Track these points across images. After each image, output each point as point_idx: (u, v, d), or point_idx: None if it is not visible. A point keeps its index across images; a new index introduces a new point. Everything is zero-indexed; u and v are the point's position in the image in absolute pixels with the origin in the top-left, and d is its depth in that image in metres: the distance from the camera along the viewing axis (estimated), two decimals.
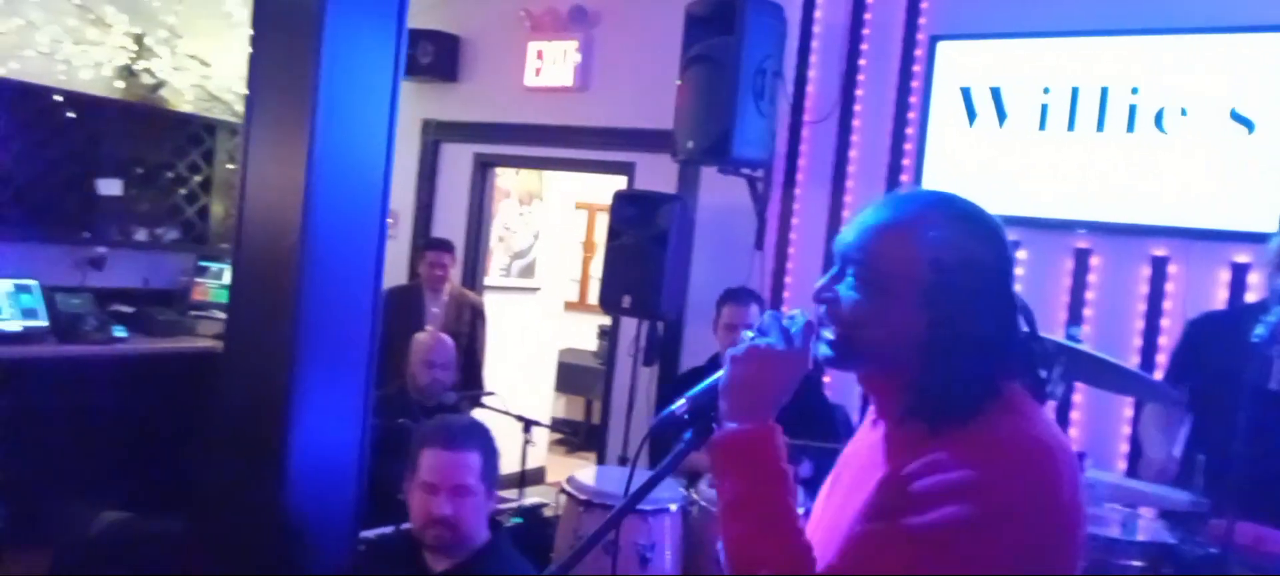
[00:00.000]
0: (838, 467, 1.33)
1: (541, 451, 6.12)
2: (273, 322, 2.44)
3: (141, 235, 4.99)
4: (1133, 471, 3.44)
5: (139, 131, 4.95)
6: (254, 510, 2.49)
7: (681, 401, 1.24)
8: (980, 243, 1.16)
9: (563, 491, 3.05)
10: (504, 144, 5.31)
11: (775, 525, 1.14)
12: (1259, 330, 2.13)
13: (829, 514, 1.26)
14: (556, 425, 6.69)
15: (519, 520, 3.40)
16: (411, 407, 3.65)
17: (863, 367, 1.23)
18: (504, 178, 6.08)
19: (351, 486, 2.54)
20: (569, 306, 7.30)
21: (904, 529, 1.05)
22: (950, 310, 1.13)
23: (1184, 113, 3.53)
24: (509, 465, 4.03)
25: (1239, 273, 3.47)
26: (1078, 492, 1.09)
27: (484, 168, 5.43)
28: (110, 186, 4.83)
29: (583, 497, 2.94)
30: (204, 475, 2.67)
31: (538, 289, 6.50)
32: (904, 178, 4.06)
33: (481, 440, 2.20)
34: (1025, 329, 1.19)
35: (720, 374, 1.22)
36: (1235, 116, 3.46)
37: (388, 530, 2.73)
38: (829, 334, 1.20)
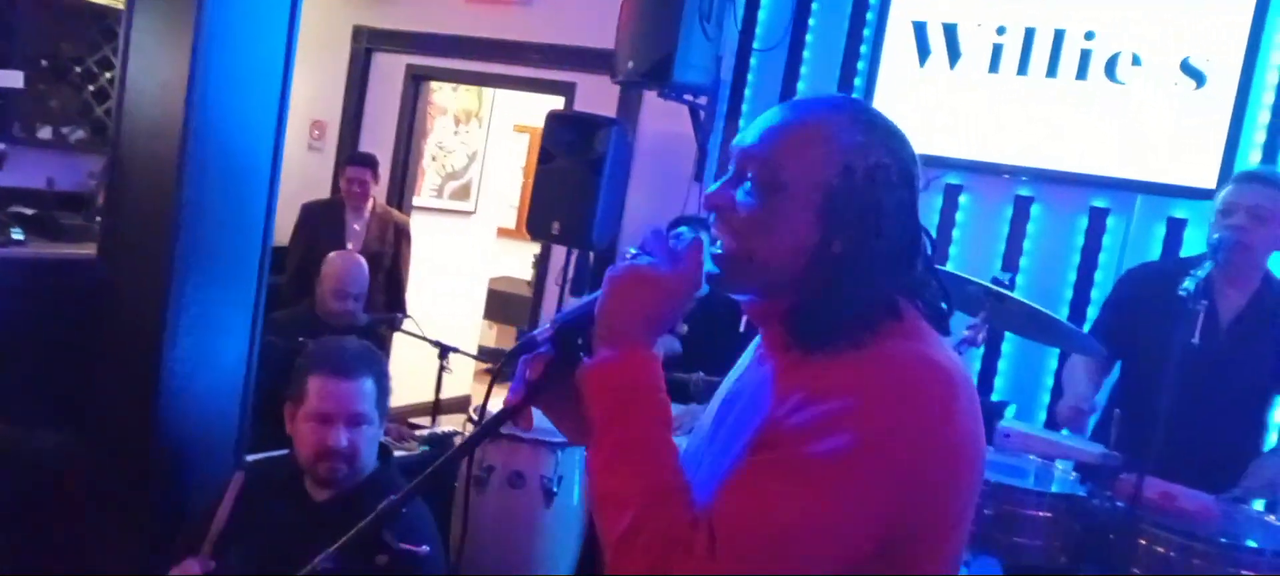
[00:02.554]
0: (720, 409, 1.20)
1: (466, 380, 5.98)
2: (151, 227, 2.25)
3: (46, 133, 4.69)
4: (1052, 419, 3.41)
5: (47, 21, 4.63)
6: (131, 427, 2.32)
7: (547, 324, 1.09)
8: (889, 152, 1.07)
9: (470, 420, 2.91)
10: (439, 57, 5.07)
11: (644, 460, 1.01)
12: (1187, 283, 2.05)
13: (711, 456, 1.13)
14: (483, 354, 6.54)
15: (426, 448, 3.26)
16: (319, 328, 3.47)
17: (755, 286, 1.11)
18: (440, 94, 5.84)
19: (236, 406, 2.38)
20: (504, 233, 7.10)
21: (795, 456, 0.96)
22: (856, 221, 1.04)
23: (1136, 61, 3.45)
24: (425, 392, 3.92)
25: (1176, 229, 3.42)
26: (977, 421, 1.02)
27: (417, 81, 5.19)
28: (11, 78, 4.51)
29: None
30: (86, 388, 2.49)
31: (472, 213, 6.28)
32: None
33: (375, 366, 2.05)
34: (928, 251, 1.10)
35: (594, 295, 1.08)
36: (1186, 68, 3.38)
37: (278, 453, 2.58)
38: (719, 248, 1.08)
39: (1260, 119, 3.33)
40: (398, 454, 3.23)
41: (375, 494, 2.04)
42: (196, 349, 2.27)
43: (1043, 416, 3.57)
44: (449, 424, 3.68)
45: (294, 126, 5.45)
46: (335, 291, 3.58)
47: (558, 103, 4.65)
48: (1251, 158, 3.28)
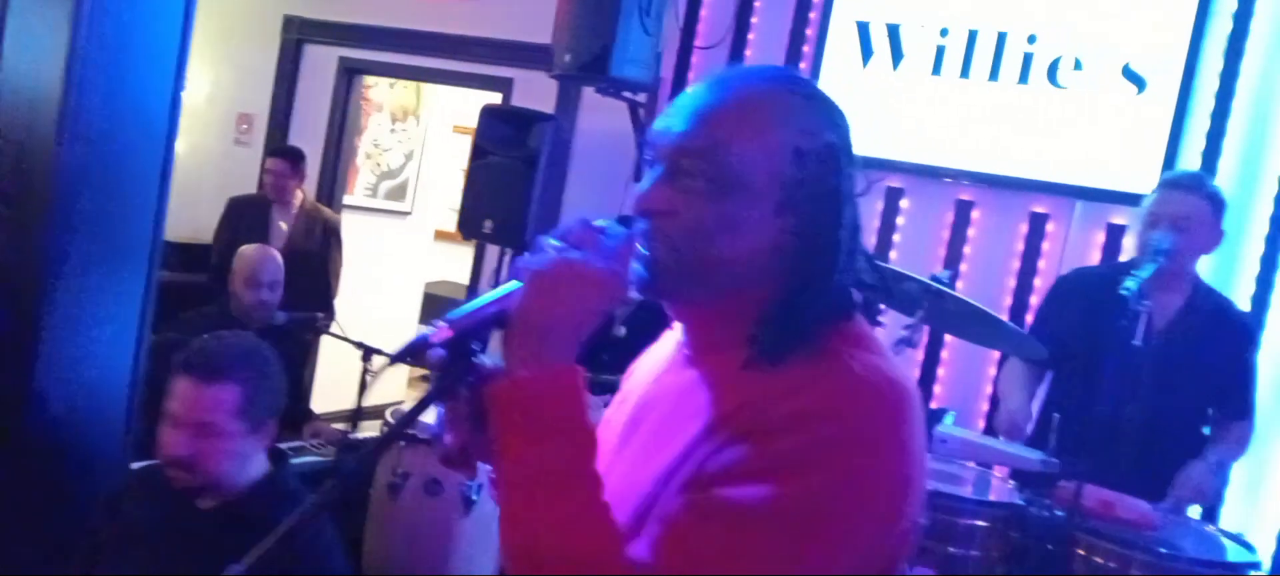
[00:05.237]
0: (633, 414, 1.04)
1: (400, 386, 5.79)
2: (26, 213, 2.06)
3: None
4: (990, 429, 3.35)
5: None
6: (5, 429, 2.13)
7: (439, 323, 0.89)
8: (836, 128, 0.95)
9: (385, 424, 2.76)
10: (373, 50, 4.89)
11: (585, 506, 0.86)
12: (1129, 283, 1.98)
13: (623, 469, 0.98)
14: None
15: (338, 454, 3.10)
16: (233, 326, 3.27)
17: (702, 294, 0.96)
18: (377, 90, 5.66)
19: (121, 403, 2.20)
20: (443, 236, 6.91)
21: (755, 498, 0.82)
22: (815, 211, 0.92)
23: (1078, 66, 3.42)
24: (348, 396, 3.74)
25: (1115, 235, 3.39)
26: (924, 437, 0.91)
27: (350, 74, 5.01)
28: None
29: (407, 430, 2.65)
30: None
31: (408, 214, 6.09)
32: None
33: (245, 371, 1.82)
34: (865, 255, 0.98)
35: (504, 290, 0.91)
36: (1128, 73, 3.35)
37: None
38: (652, 252, 0.93)
39: (1200, 125, 3.31)
40: (306, 459, 3.08)
41: (264, 503, 1.90)
42: (77, 347, 2.09)
43: (982, 425, 3.51)
44: (371, 430, 3.51)
45: (220, 119, 5.28)
46: (247, 280, 3.39)
47: (495, 99, 4.51)
48: (1191, 163, 3.25)
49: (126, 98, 2.13)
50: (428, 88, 5.91)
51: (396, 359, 0.91)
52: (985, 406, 3.53)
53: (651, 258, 0.93)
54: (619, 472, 0.96)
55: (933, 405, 3.58)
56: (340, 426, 3.57)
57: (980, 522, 2.10)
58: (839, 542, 0.85)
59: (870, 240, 3.70)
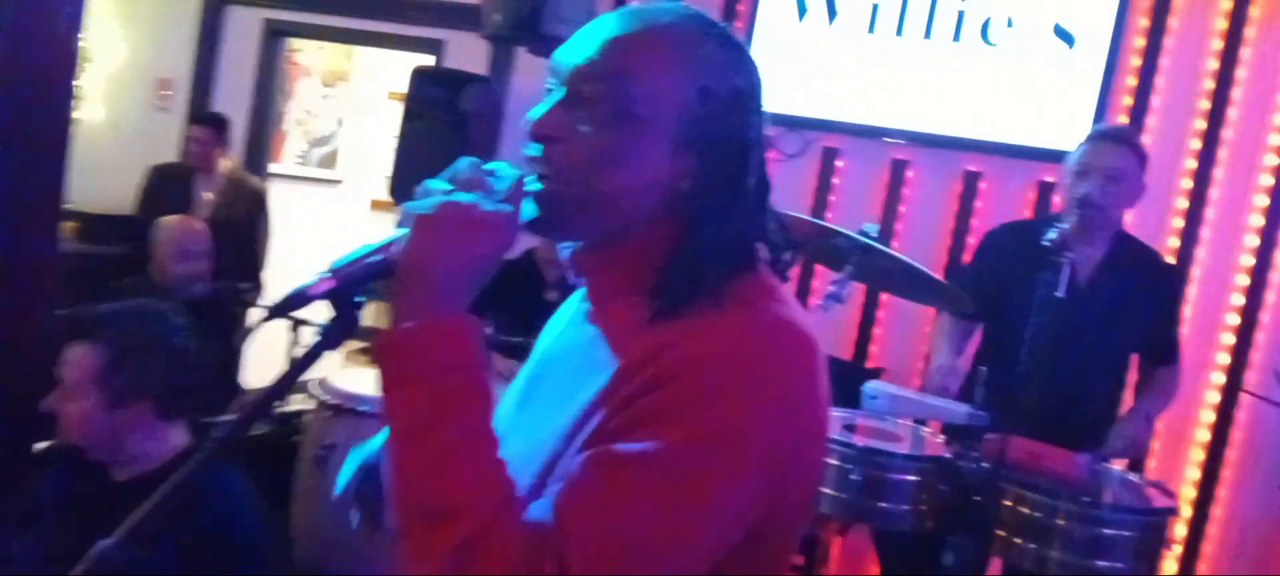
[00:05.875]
0: (533, 372, 1.02)
1: (336, 360, 5.67)
2: None
3: None
4: (923, 390, 3.38)
5: None
6: None
7: (323, 272, 0.85)
8: (747, 74, 0.92)
9: (311, 394, 2.69)
10: (299, 11, 4.74)
11: (479, 461, 0.81)
12: (1050, 233, 1.99)
13: (524, 429, 0.95)
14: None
15: (269, 427, 3.02)
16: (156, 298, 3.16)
17: (593, 231, 0.92)
18: (306, 54, 5.50)
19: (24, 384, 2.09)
20: (379, 205, 6.76)
21: (653, 449, 0.80)
22: (719, 151, 0.89)
23: (1010, 23, 3.43)
24: (279, 370, 3.64)
25: (1045, 192, 3.42)
26: (827, 386, 0.90)
27: (275, 37, 4.85)
28: None
29: (332, 401, 2.59)
30: None
31: (340, 182, 5.95)
32: None
33: (112, 335, 1.75)
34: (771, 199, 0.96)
35: (391, 237, 0.86)
36: (1058, 31, 3.37)
37: None
38: (543, 185, 0.89)
39: (1127, 82, 3.35)
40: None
41: (170, 475, 1.84)
42: None
43: (918, 382, 3.54)
44: (300, 403, 3.42)
45: (138, 85, 5.08)
46: (170, 251, 3.27)
47: (429, 61, 4.41)
48: (1119, 120, 3.29)
49: (14, 65, 2.02)
50: (360, 51, 5.76)
51: (275, 313, 0.87)
52: (921, 364, 3.56)
53: (543, 191, 0.89)
54: (521, 434, 0.93)
55: (867, 364, 3.61)
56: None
57: (910, 477, 2.11)
58: (737, 489, 0.83)
59: (807, 200, 3.70)
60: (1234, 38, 3.23)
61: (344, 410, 2.57)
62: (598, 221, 0.91)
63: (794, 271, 3.66)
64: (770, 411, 0.83)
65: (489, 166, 0.89)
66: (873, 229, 2.08)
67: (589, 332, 0.95)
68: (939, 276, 3.43)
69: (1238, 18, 3.23)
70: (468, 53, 4.20)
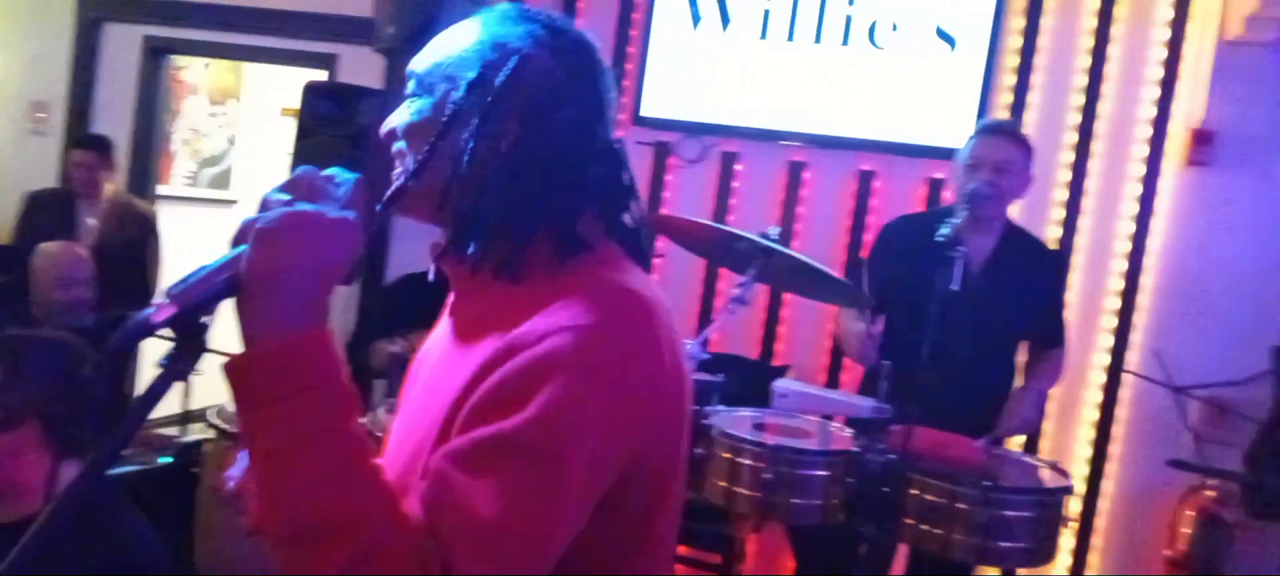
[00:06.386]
0: (410, 375, 1.06)
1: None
2: None
3: None
4: (833, 382, 3.46)
5: None
6: None
7: (161, 300, 0.81)
8: (580, 68, 0.98)
9: (210, 424, 2.59)
10: (182, 27, 4.56)
11: (355, 474, 0.80)
12: (944, 230, 2.07)
13: (399, 430, 1.00)
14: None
15: (169, 459, 2.90)
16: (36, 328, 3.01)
17: (429, 204, 0.96)
18: (191, 71, 5.30)
19: None
20: None
21: (503, 430, 0.82)
22: (553, 135, 0.94)
23: (895, 28, 3.54)
24: (175, 399, 3.50)
25: (934, 188, 3.55)
26: (681, 354, 0.94)
27: (157, 54, 4.66)
28: None
29: (232, 430, 2.50)
30: None
31: (234, 202, 5.75)
32: (625, 83, 3.83)
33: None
34: (626, 183, 1.00)
35: (231, 255, 0.83)
36: (940, 33, 3.50)
37: None
38: (403, 177, 0.96)
39: (1006, 81, 3.50)
40: (126, 468, 2.86)
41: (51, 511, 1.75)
42: None
43: (823, 378, 3.63)
44: (199, 432, 3.30)
45: (12, 109, 4.81)
46: (51, 279, 3.12)
47: (321, 77, 4.30)
48: (1000, 116, 3.44)
49: None
50: (249, 67, 5.58)
51: (114, 349, 0.81)
52: (826, 360, 3.65)
53: (401, 180, 0.96)
54: (395, 435, 0.98)
55: (774, 362, 3.68)
56: (169, 431, 3.34)
57: (819, 472, 2.15)
58: (591, 455, 0.84)
59: (709, 204, 3.75)
60: (1102, 36, 3.41)
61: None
62: (428, 194, 0.94)
63: (700, 274, 3.72)
64: (613, 375, 0.85)
65: (328, 173, 0.89)
66: (774, 232, 2.12)
67: (452, 329, 1.00)
68: (839, 273, 3.54)
69: (1105, 17, 3.41)
70: (362, 67, 4.12)
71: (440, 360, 0.99)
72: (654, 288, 0.95)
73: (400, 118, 0.99)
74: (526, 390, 0.83)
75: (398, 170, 0.97)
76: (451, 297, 1.04)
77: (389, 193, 0.96)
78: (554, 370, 0.83)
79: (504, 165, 0.93)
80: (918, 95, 3.53)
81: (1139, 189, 3.39)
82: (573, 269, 0.93)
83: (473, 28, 0.98)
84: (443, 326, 1.05)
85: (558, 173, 0.94)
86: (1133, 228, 3.40)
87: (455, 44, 0.98)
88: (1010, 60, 3.50)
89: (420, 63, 0.99)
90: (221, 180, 5.69)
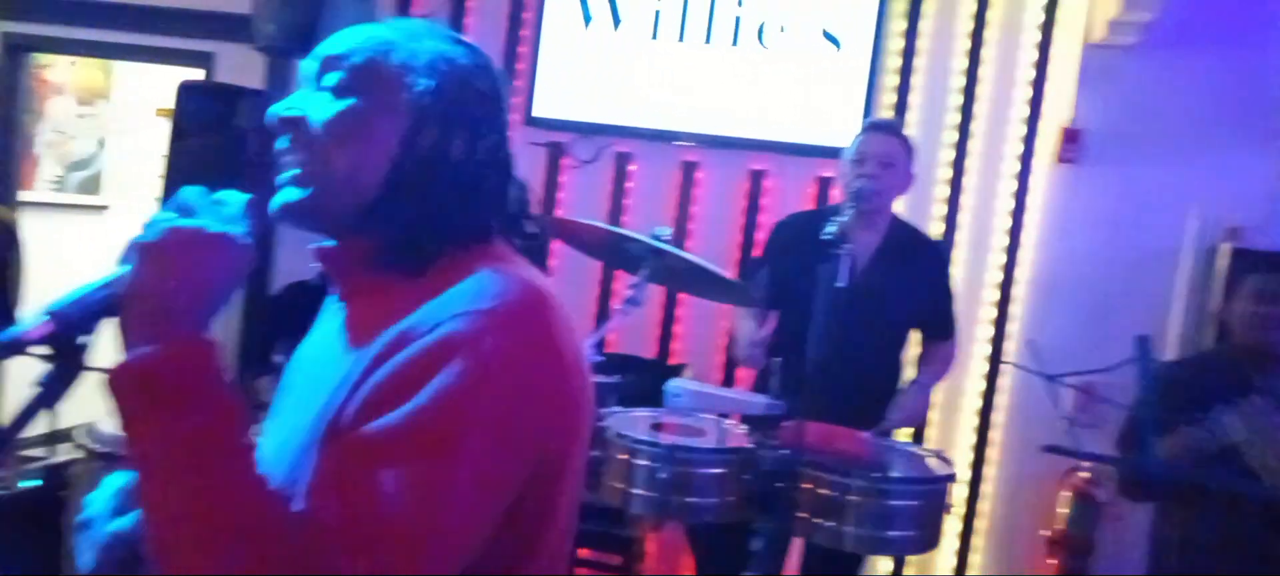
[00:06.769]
0: (287, 375, 1.05)
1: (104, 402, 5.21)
2: None
3: None
4: (730, 381, 3.50)
5: None
6: None
7: (40, 315, 0.82)
8: (476, 68, 1.01)
9: (78, 444, 2.45)
10: (44, 23, 4.30)
11: (244, 484, 0.79)
12: (829, 227, 2.11)
13: (276, 433, 0.98)
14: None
15: (37, 482, 2.73)
16: None
17: (335, 209, 0.96)
18: (57, 70, 5.01)
19: None
20: None
21: (402, 420, 0.81)
22: (443, 128, 0.96)
23: (783, 29, 3.61)
24: (42, 418, 3.31)
25: (824, 186, 3.63)
26: (577, 346, 0.95)
27: (16, 52, 4.38)
28: None
29: (102, 449, 2.38)
30: None
31: (105, 208, 5.46)
32: (517, 83, 3.79)
33: None
34: (516, 186, 1.03)
35: (115, 274, 0.84)
36: (826, 35, 3.58)
37: None
38: (297, 170, 0.94)
39: (890, 82, 3.60)
40: None
41: None
42: None
43: (720, 376, 3.67)
44: (71, 453, 3.12)
45: None
46: None
47: (199, 76, 4.13)
48: (885, 116, 3.54)
49: None
50: (119, 66, 5.31)
51: None
52: (721, 358, 3.69)
53: (295, 179, 0.95)
54: (274, 439, 0.96)
55: (671, 361, 3.70)
56: (36, 452, 3.15)
57: (716, 470, 2.17)
58: (494, 445, 0.84)
59: (604, 204, 3.74)
60: (977, 39, 3.55)
61: (116, 458, 2.35)
62: (336, 198, 0.95)
63: (596, 275, 3.71)
64: (509, 361, 0.85)
65: (216, 196, 0.91)
66: (665, 232, 2.13)
67: (334, 326, 1.00)
68: (732, 273, 3.59)
69: (979, 21, 3.54)
70: (241, 66, 3.96)
71: (327, 361, 0.97)
72: (548, 283, 0.97)
73: (319, 111, 0.96)
74: (419, 379, 0.83)
75: (292, 165, 0.95)
76: (337, 300, 1.02)
77: (295, 192, 0.95)
78: (448, 356, 0.83)
79: (448, 173, 0.95)
80: (806, 95, 3.60)
81: (1014, 186, 3.54)
82: (468, 262, 0.93)
83: (401, 34, 0.99)
84: (324, 328, 1.03)
85: (483, 180, 0.97)
86: (1009, 223, 3.55)
87: (391, 48, 0.98)
88: (893, 61, 3.60)
89: (348, 60, 0.97)
90: (91, 184, 5.39)
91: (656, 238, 2.09)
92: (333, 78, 0.97)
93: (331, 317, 1.03)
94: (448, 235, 0.95)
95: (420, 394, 0.82)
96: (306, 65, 1.00)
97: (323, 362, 0.98)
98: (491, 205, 0.99)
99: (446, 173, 0.96)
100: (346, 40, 0.99)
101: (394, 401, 0.82)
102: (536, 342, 0.89)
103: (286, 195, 0.96)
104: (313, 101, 0.97)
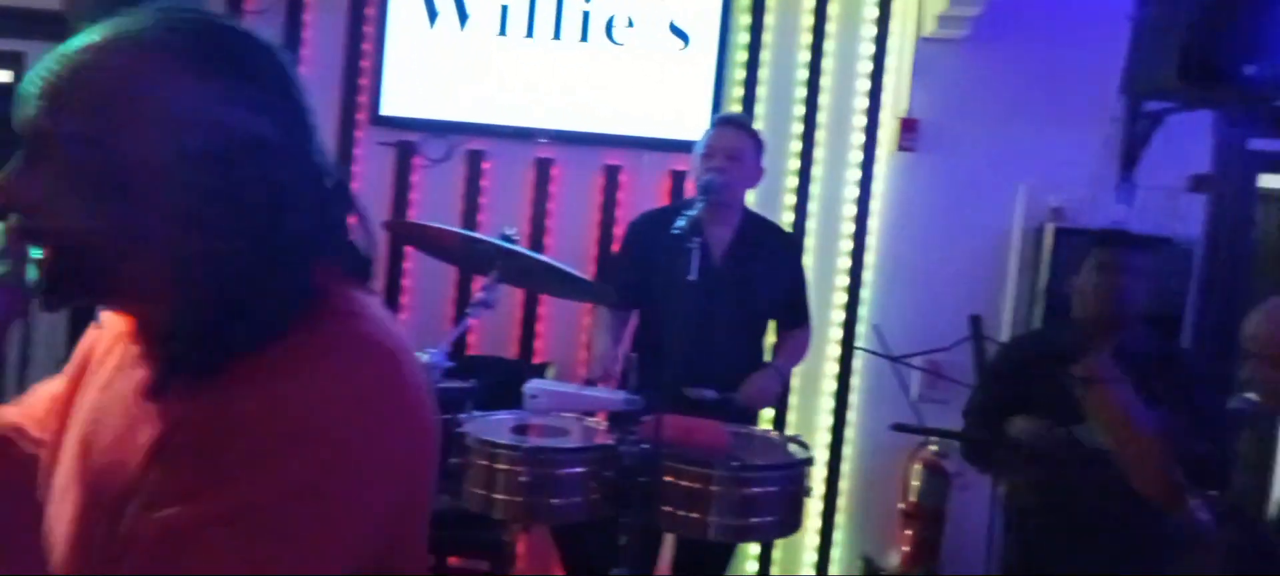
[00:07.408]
0: (84, 430, 0.88)
1: None
2: None
3: None
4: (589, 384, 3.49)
5: None
6: None
7: None
8: (264, 99, 0.80)
9: None
10: None
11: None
12: (679, 222, 2.13)
13: (74, 497, 0.84)
14: None
15: None
16: None
17: (106, 298, 0.83)
18: None
19: None
20: None
21: (239, 506, 0.71)
22: (235, 207, 0.77)
23: (631, 23, 3.61)
24: None
25: (678, 180, 3.66)
26: (424, 392, 0.82)
27: None
28: None
29: None
30: None
31: None
32: (362, 82, 3.66)
33: None
34: (341, 207, 0.87)
35: None
36: (674, 29, 3.61)
37: None
38: (40, 254, 0.77)
39: (737, 76, 3.67)
40: None
41: None
42: None
43: (584, 373, 3.65)
44: None
45: None
46: None
47: (5, 78, 3.80)
48: (733, 110, 3.60)
49: None
50: None
51: None
52: (584, 354, 3.67)
53: (42, 261, 0.78)
54: (70, 500, 0.83)
55: (534, 360, 3.66)
56: None
57: (578, 469, 2.15)
58: (340, 529, 0.75)
59: (458, 204, 3.66)
60: (819, 33, 3.65)
61: None
62: (109, 296, 0.83)
63: (453, 277, 3.63)
64: (364, 439, 0.76)
65: None
66: (512, 233, 2.09)
67: (130, 384, 0.84)
68: (590, 270, 3.58)
69: (820, 16, 3.65)
70: None
71: (115, 424, 0.84)
72: (395, 330, 0.84)
73: (29, 186, 0.77)
74: (262, 464, 0.72)
75: (39, 246, 0.77)
76: (135, 360, 0.86)
77: (47, 279, 0.78)
78: (294, 439, 0.73)
79: (224, 263, 0.78)
80: (656, 90, 3.62)
81: (859, 175, 3.67)
82: (296, 326, 0.78)
83: (130, 75, 0.77)
84: (114, 375, 0.88)
85: (295, 253, 0.80)
86: (855, 211, 3.67)
87: (109, 96, 0.76)
88: (740, 56, 3.66)
89: (46, 117, 0.76)
90: None
91: (505, 238, 2.05)
92: (39, 142, 0.79)
93: (129, 368, 0.87)
94: (264, 321, 0.79)
95: (262, 483, 0.72)
96: (15, 104, 0.80)
97: (117, 432, 0.83)
98: (315, 260, 0.82)
99: (237, 265, 0.79)
100: (56, 90, 0.79)
101: (232, 489, 0.71)
102: (383, 406, 0.78)
103: (31, 277, 0.78)
104: (27, 175, 0.79)
